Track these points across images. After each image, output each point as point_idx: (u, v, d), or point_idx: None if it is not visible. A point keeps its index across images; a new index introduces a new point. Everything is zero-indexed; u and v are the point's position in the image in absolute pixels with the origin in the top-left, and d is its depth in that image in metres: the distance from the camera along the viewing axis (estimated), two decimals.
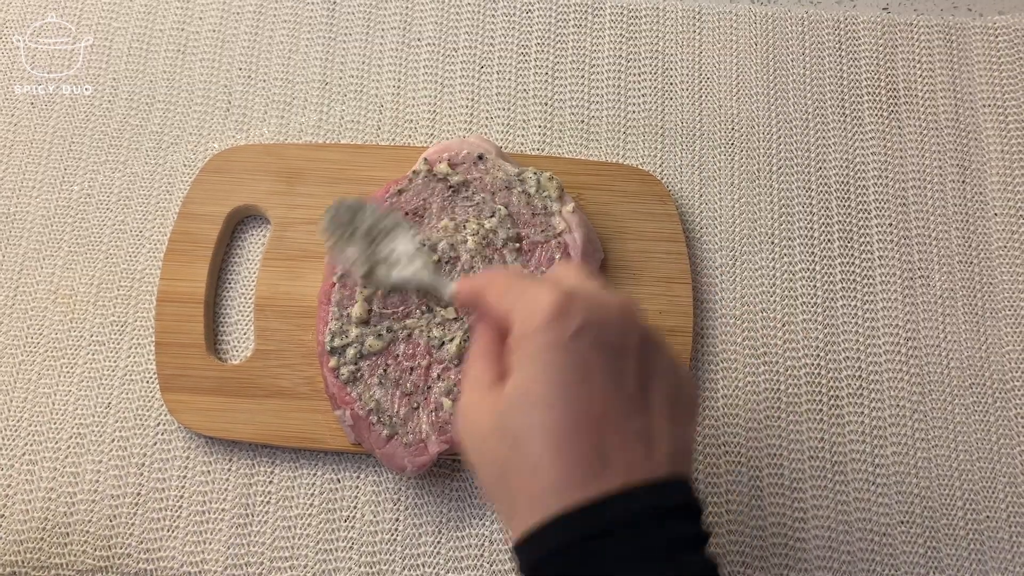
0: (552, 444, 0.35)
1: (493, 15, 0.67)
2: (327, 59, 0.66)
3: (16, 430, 0.56)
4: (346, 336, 0.54)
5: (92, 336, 0.58)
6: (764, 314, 0.60)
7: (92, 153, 0.63)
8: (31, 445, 0.56)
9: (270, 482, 0.55)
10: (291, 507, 0.55)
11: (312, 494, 0.55)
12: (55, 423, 0.56)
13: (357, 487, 0.55)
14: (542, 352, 0.36)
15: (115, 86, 0.65)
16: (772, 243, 0.62)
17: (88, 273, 0.60)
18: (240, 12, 0.67)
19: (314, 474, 0.56)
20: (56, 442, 0.56)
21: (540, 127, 0.64)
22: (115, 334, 0.58)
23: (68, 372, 0.58)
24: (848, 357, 0.59)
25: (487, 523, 0.55)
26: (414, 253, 0.48)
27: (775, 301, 0.60)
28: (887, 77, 0.66)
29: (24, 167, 0.62)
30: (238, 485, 0.55)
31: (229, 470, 0.56)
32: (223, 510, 0.55)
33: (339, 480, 0.55)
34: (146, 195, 0.62)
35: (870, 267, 0.61)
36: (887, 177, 0.63)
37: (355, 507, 0.55)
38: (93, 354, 0.58)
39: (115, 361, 0.58)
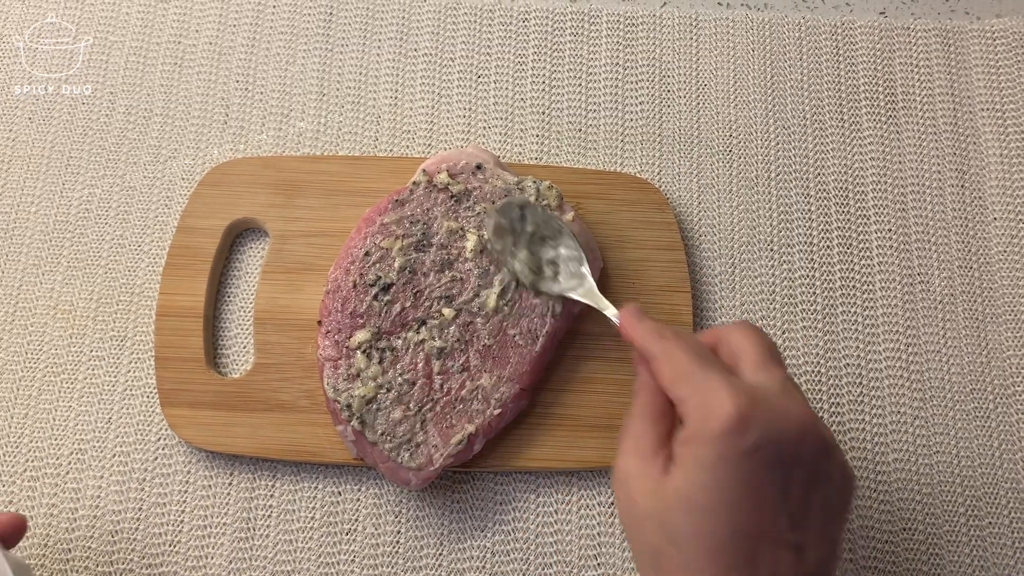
0: (708, 550, 0.36)
1: (490, 24, 0.67)
2: (324, 70, 0.66)
3: (17, 446, 0.56)
4: (351, 392, 0.53)
5: (92, 351, 0.58)
6: (763, 322, 0.60)
7: (90, 167, 0.63)
8: (32, 461, 0.56)
9: (271, 496, 0.55)
10: (292, 520, 0.55)
11: (313, 507, 0.55)
12: (56, 439, 0.56)
13: (358, 500, 0.55)
14: (714, 463, 0.36)
15: (112, 99, 0.65)
16: (771, 250, 0.62)
17: (87, 288, 0.60)
18: (237, 24, 0.67)
19: (315, 487, 0.56)
20: (57, 458, 0.56)
21: (537, 136, 0.64)
22: (115, 349, 0.58)
23: (68, 387, 0.58)
24: (848, 364, 0.59)
25: (489, 535, 0.55)
26: (579, 264, 0.53)
27: (774, 308, 0.60)
28: (885, 82, 0.66)
29: (22, 181, 0.63)
30: (239, 499, 0.55)
31: (230, 484, 0.56)
32: (225, 524, 0.55)
33: (340, 493, 0.55)
34: (144, 208, 0.62)
35: (869, 273, 0.61)
36: (886, 183, 0.63)
37: (356, 520, 0.55)
38: (93, 369, 0.58)
39: (115, 376, 0.58)
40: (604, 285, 0.58)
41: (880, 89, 0.66)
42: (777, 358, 0.40)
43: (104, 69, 0.66)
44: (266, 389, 0.56)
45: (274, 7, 0.67)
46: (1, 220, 0.62)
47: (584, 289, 0.52)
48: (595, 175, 0.61)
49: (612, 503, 0.55)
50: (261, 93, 0.65)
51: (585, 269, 0.53)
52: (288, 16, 0.67)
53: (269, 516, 0.55)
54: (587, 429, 0.56)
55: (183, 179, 0.63)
